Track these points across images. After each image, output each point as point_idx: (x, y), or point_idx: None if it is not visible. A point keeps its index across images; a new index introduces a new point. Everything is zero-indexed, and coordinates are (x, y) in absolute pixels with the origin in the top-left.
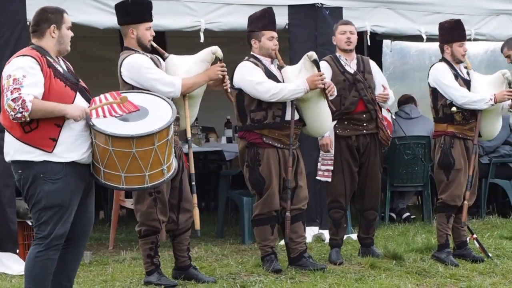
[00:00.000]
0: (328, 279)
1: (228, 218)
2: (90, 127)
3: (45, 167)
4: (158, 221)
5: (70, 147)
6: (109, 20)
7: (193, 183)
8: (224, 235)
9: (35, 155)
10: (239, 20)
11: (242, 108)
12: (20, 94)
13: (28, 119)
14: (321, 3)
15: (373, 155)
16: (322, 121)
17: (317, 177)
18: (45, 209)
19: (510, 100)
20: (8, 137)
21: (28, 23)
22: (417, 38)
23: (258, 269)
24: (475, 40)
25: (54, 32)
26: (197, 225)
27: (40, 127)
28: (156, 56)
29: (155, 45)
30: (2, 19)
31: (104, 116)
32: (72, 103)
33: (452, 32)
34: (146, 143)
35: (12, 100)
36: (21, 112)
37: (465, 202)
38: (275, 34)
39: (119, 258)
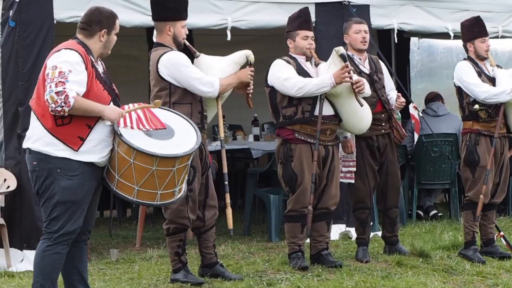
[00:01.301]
0: (354, 276)
1: (255, 216)
2: (117, 135)
3: (63, 162)
4: (188, 219)
5: (92, 149)
6: (136, 18)
7: (226, 182)
8: (251, 233)
9: (58, 149)
10: (266, 18)
11: (275, 105)
12: (64, 88)
13: (66, 114)
14: (348, 1)
15: (390, 153)
16: (359, 117)
17: (340, 179)
18: (58, 204)
19: None
20: (35, 123)
21: (55, 21)
22: (444, 35)
23: (284, 266)
24: (502, 37)
25: (103, 36)
26: (230, 225)
27: (72, 123)
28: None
29: (187, 43)
30: (29, 18)
31: (132, 128)
32: None
33: (472, 30)
34: (167, 164)
35: (56, 93)
36: (62, 107)
37: (481, 196)
38: (309, 34)
39: (146, 256)
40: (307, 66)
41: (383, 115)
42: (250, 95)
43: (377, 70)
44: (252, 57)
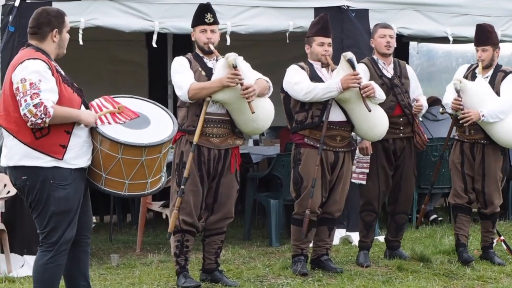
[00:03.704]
0: (355, 281)
1: (255, 221)
2: (99, 134)
3: (54, 172)
4: (179, 220)
5: (78, 154)
6: (135, 23)
7: (183, 186)
8: (251, 238)
9: (45, 161)
10: (265, 22)
11: (289, 111)
12: (41, 100)
13: (46, 125)
14: (347, 5)
15: (408, 158)
16: (371, 124)
17: (352, 180)
18: (54, 215)
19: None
20: (12, 141)
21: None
22: (443, 40)
23: (285, 271)
24: (501, 41)
25: (55, 37)
26: (171, 228)
27: (51, 133)
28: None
29: (212, 47)
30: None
31: (109, 123)
32: (79, 108)
33: (475, 36)
34: (155, 152)
35: (34, 105)
36: (42, 118)
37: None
38: (325, 40)
39: (146, 261)
40: (322, 72)
41: (401, 119)
42: (248, 99)
43: (401, 74)
44: (231, 59)
